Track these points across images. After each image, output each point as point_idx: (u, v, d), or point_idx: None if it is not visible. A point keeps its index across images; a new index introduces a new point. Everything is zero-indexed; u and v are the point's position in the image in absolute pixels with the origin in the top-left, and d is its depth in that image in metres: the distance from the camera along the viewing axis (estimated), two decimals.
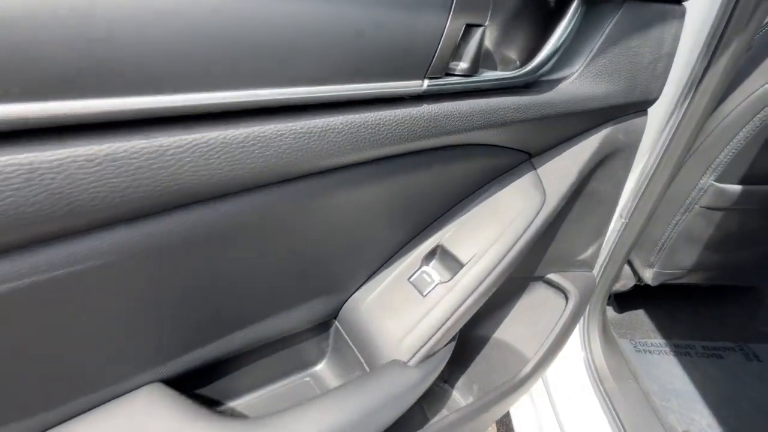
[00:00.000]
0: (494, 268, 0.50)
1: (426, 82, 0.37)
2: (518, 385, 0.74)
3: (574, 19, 0.46)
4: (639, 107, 0.58)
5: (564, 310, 0.76)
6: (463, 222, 0.53)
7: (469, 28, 0.37)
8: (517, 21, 0.47)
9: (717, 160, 0.97)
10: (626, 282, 1.31)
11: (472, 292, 0.49)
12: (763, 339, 1.33)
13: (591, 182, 0.63)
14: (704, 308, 1.43)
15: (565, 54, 0.49)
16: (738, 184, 0.99)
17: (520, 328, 0.79)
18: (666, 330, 1.38)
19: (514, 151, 0.54)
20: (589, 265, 0.77)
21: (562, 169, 0.56)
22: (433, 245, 0.53)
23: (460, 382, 0.84)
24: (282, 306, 0.48)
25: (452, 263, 0.51)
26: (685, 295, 1.40)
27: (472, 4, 0.35)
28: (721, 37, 0.66)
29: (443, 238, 0.53)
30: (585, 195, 0.64)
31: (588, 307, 1.02)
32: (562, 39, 0.46)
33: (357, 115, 0.34)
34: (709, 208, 1.04)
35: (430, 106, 0.38)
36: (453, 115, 0.40)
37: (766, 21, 0.86)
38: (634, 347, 1.34)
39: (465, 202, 0.54)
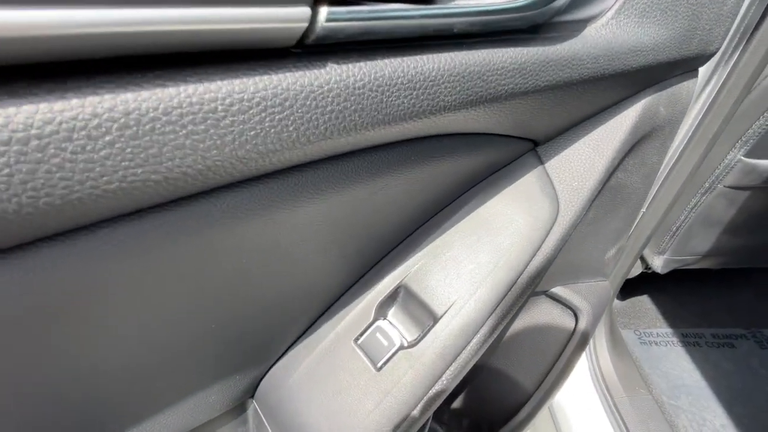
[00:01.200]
0: (485, 320, 0.33)
1: (323, 13, 0.18)
2: (519, 427, 0.60)
3: None
4: (691, 65, 0.40)
5: (573, 333, 0.60)
6: (436, 249, 0.36)
7: None
8: None
9: (750, 131, 0.80)
10: (633, 270, 1.18)
11: (450, 363, 0.32)
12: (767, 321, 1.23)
13: (616, 174, 0.45)
14: (713, 292, 1.32)
15: None
16: (764, 159, 0.84)
17: (519, 353, 0.64)
18: (672, 317, 1.27)
19: (511, 139, 0.35)
20: (604, 273, 0.61)
21: (582, 162, 0.38)
22: (392, 286, 0.35)
23: (447, 417, 0.69)
24: (176, 393, 0.31)
25: (421, 315, 0.34)
26: (692, 279, 1.28)
27: None
28: None
29: (408, 275, 0.35)
30: (606, 190, 0.47)
31: None
32: None
33: (171, 91, 0.15)
34: (732, 187, 0.89)
35: (339, 68, 0.19)
36: (392, 87, 0.21)
37: None
38: (639, 338, 1.23)
39: (439, 219, 0.36)
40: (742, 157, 0.84)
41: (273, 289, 0.30)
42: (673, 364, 1.17)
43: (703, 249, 1.04)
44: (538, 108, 0.32)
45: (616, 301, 1.32)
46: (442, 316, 0.34)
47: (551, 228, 0.36)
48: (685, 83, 0.42)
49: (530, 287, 0.36)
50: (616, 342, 0.95)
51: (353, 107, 0.20)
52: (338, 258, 0.32)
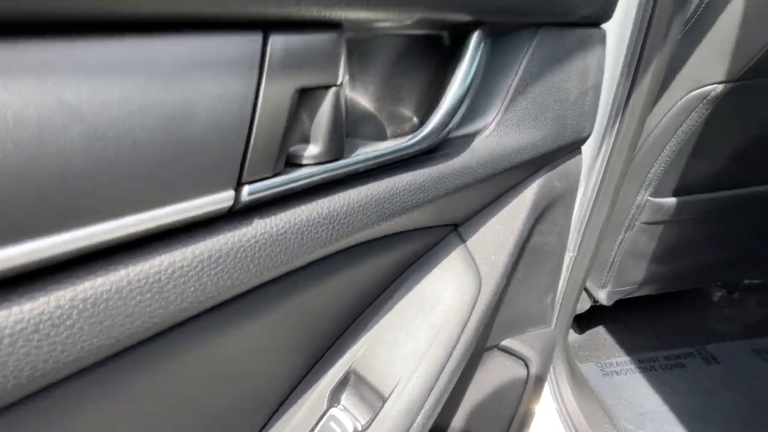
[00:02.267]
0: (428, 394, 0.37)
1: (245, 191, 0.23)
2: None
3: (478, 55, 0.34)
4: (572, 148, 0.49)
5: (527, 381, 0.64)
6: (379, 333, 0.39)
7: (311, 92, 0.24)
8: (404, 67, 0.35)
9: (649, 175, 0.94)
10: (582, 305, 1.26)
11: None
12: (717, 338, 1.33)
13: (533, 238, 0.53)
14: (660, 316, 1.42)
15: (476, 101, 0.38)
16: (672, 196, 0.97)
17: (478, 408, 0.66)
18: (628, 345, 1.34)
19: (432, 228, 0.41)
20: (545, 320, 0.67)
21: (496, 236, 0.45)
22: (341, 372, 0.38)
23: None
24: None
25: (370, 397, 0.37)
26: (640, 305, 1.38)
27: (302, 57, 0.22)
28: (641, 56, 0.62)
29: (355, 360, 0.39)
30: (529, 252, 0.54)
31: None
32: (468, 82, 0.34)
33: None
34: (648, 223, 1.01)
35: (263, 221, 0.24)
36: (310, 226, 0.26)
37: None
38: (601, 370, 1.29)
39: (378, 305, 0.41)
40: (650, 198, 0.97)
41: (224, 401, 0.32)
42: (634, 392, 1.22)
43: (638, 278, 1.15)
44: (449, 202, 0.38)
45: (576, 336, 1.38)
46: (389, 397, 0.37)
47: (477, 300, 0.41)
48: (571, 160, 0.51)
49: (467, 355, 0.40)
50: (576, 380, 1.00)
51: (278, 249, 0.24)
52: (287, 359, 0.35)
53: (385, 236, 0.36)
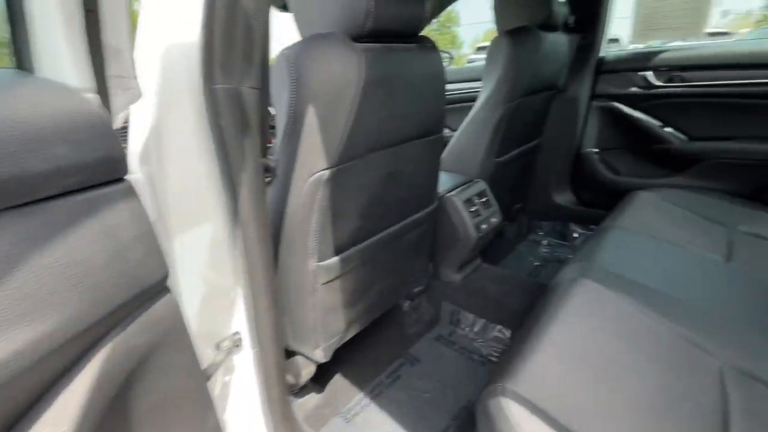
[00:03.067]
0: None
1: None
2: None
3: None
4: (149, 295, 0.46)
5: None
6: None
7: None
8: None
9: (309, 247, 1.08)
10: (308, 371, 1.31)
11: None
12: (413, 340, 1.68)
13: (140, 401, 0.45)
14: (373, 342, 1.66)
15: None
16: (335, 256, 1.16)
17: None
18: (359, 381, 1.49)
19: None
20: None
21: None
22: None
23: None
24: None
25: None
26: (356, 342, 1.56)
27: None
28: (231, 182, 0.68)
29: None
30: (144, 415, 0.46)
31: None
32: None
33: None
34: (326, 282, 1.16)
35: None
36: None
37: None
38: (344, 419, 1.37)
39: None
40: (317, 263, 1.12)
41: None
42: (373, 423, 1.35)
43: (342, 326, 1.30)
44: None
45: (319, 398, 1.42)
46: None
47: None
48: (156, 305, 0.47)
49: None
50: None
51: None
52: None
53: None
